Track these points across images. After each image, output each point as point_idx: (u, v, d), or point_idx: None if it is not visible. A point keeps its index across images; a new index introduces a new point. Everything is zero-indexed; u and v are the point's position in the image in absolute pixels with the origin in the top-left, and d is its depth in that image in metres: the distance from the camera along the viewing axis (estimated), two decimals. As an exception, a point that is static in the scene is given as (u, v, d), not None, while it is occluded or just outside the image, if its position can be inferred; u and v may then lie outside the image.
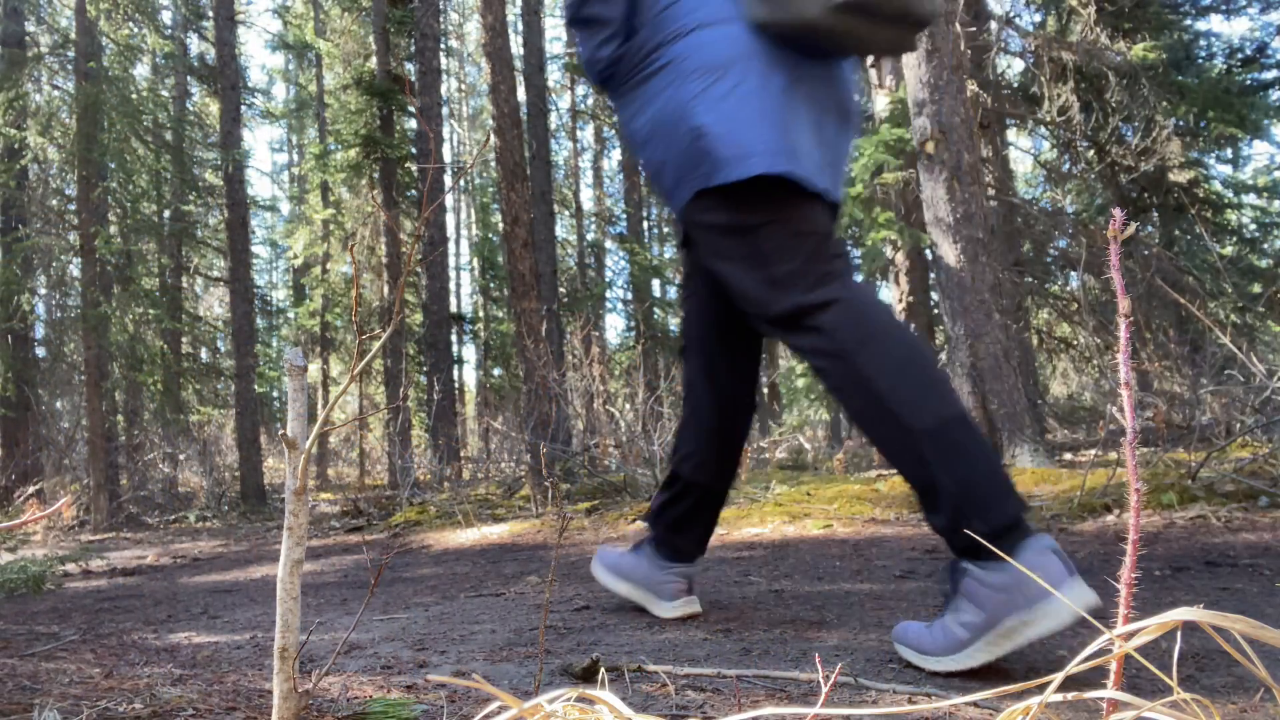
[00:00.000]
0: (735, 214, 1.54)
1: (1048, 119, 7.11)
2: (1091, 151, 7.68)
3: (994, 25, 7.27)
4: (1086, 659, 0.70)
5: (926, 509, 1.44)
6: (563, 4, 1.73)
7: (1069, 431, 8.32)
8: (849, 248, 8.96)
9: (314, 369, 16.34)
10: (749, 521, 3.84)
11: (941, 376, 1.47)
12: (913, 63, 5.36)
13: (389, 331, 1.03)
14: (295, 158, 22.72)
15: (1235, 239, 8.42)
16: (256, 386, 10.28)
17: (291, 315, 17.27)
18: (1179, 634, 0.75)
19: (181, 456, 9.84)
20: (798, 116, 1.51)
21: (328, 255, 14.89)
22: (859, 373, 1.44)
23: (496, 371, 16.54)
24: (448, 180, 13.57)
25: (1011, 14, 7.84)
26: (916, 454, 1.41)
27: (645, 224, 17.30)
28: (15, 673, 1.67)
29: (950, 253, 5.22)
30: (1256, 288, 7.58)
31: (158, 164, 9.78)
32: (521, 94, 10.30)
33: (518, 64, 10.76)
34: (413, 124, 11.72)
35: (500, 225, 11.12)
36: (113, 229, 9.18)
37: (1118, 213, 0.76)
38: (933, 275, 6.00)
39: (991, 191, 7.00)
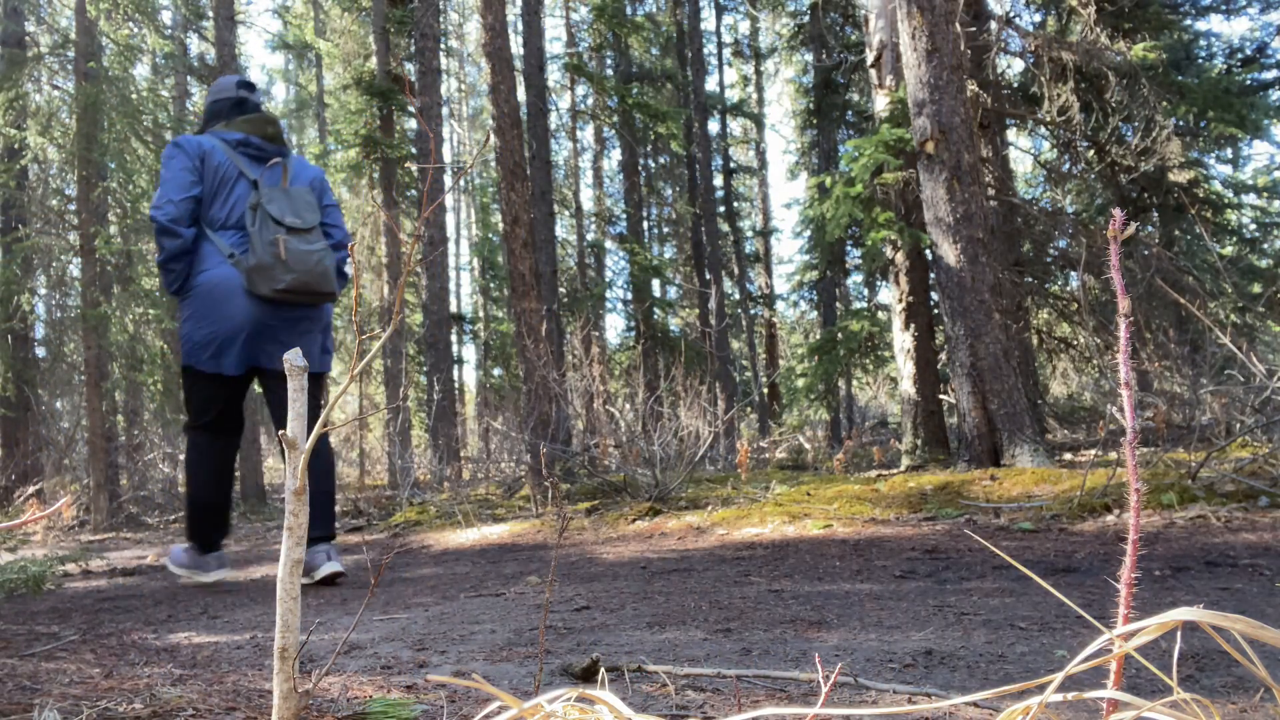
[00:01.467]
0: (183, 375, 3.20)
1: (1048, 119, 7.10)
2: (1091, 151, 7.68)
3: (994, 25, 7.26)
4: (1086, 659, 0.70)
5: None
6: (155, 257, 3.32)
7: (1069, 431, 8.32)
8: (849, 247, 8.96)
9: (314, 369, 16.30)
10: (749, 521, 3.84)
11: (207, 492, 3.21)
12: (913, 63, 5.36)
13: (389, 331, 1.03)
14: (295, 158, 22.68)
15: (1235, 239, 8.41)
16: (256, 386, 10.27)
17: (291, 315, 17.23)
18: (1179, 634, 0.75)
19: (182, 456, 9.82)
20: (244, 328, 3.05)
21: (328, 255, 14.85)
22: (186, 466, 3.25)
23: (496, 371, 16.54)
24: (448, 180, 13.57)
25: (1011, 14, 7.84)
26: (193, 509, 3.20)
27: (645, 224, 17.29)
28: (15, 673, 1.67)
29: (950, 253, 5.21)
30: (1256, 288, 7.57)
31: (158, 164, 9.77)
32: (521, 94, 10.29)
33: (518, 64, 10.75)
34: (413, 124, 11.72)
35: (500, 225, 11.12)
36: (113, 229, 9.17)
37: (1118, 213, 0.76)
38: (933, 275, 6.00)
39: (991, 191, 7.00)
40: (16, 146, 8.47)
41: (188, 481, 3.20)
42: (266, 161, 3.18)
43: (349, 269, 3.32)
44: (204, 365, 3.05)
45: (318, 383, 3.42)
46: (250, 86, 3.37)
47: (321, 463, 3.16)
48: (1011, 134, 10.73)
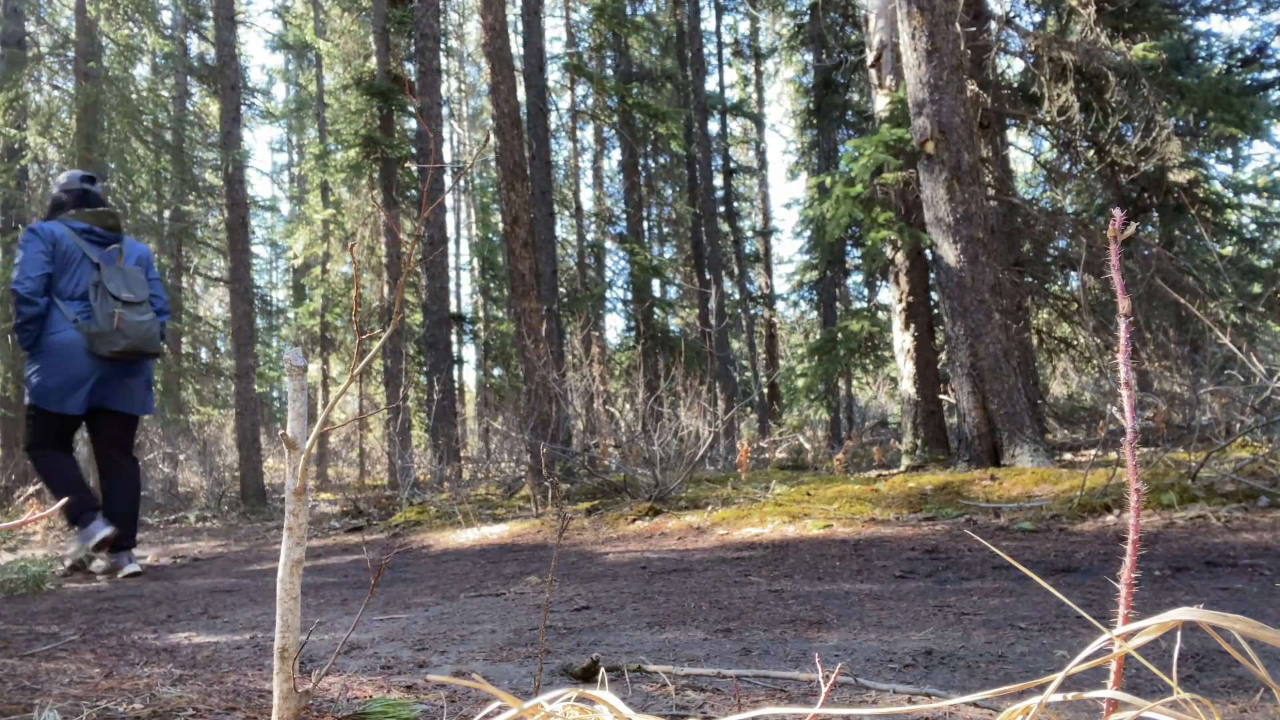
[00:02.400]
0: (32, 412, 3.91)
1: (1048, 119, 7.10)
2: (1091, 151, 7.67)
3: (994, 25, 7.26)
4: (1086, 659, 0.70)
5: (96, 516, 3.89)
6: (13, 322, 3.96)
7: (1069, 431, 8.32)
8: (849, 247, 8.96)
9: (314, 369, 16.33)
10: (749, 521, 3.84)
11: (71, 477, 3.99)
12: (913, 63, 5.36)
13: (389, 331, 1.03)
14: (295, 158, 22.71)
15: (1235, 239, 8.40)
16: (256, 386, 10.27)
17: (291, 315, 17.26)
18: (1179, 634, 0.75)
19: (181, 456, 9.84)
20: (87, 379, 3.87)
21: (328, 255, 14.88)
22: (44, 473, 3.94)
23: (496, 371, 16.54)
24: (448, 180, 13.56)
25: (1011, 14, 7.84)
26: (72, 505, 3.85)
27: (645, 224, 17.29)
28: (15, 673, 1.67)
29: (950, 253, 5.21)
30: (1256, 288, 7.57)
31: (158, 164, 9.78)
32: (521, 94, 10.29)
33: (518, 64, 10.75)
34: (413, 124, 11.72)
35: (500, 225, 11.12)
36: (113, 229, 9.15)
37: (1118, 213, 0.76)
38: (933, 275, 6.00)
39: (991, 191, 7.00)
40: (16, 146, 8.47)
41: (54, 485, 3.96)
42: (106, 246, 4.01)
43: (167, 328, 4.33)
44: (52, 406, 3.85)
45: (136, 423, 4.20)
46: (91, 180, 4.14)
47: (128, 484, 4.02)
48: (1011, 134, 10.73)
